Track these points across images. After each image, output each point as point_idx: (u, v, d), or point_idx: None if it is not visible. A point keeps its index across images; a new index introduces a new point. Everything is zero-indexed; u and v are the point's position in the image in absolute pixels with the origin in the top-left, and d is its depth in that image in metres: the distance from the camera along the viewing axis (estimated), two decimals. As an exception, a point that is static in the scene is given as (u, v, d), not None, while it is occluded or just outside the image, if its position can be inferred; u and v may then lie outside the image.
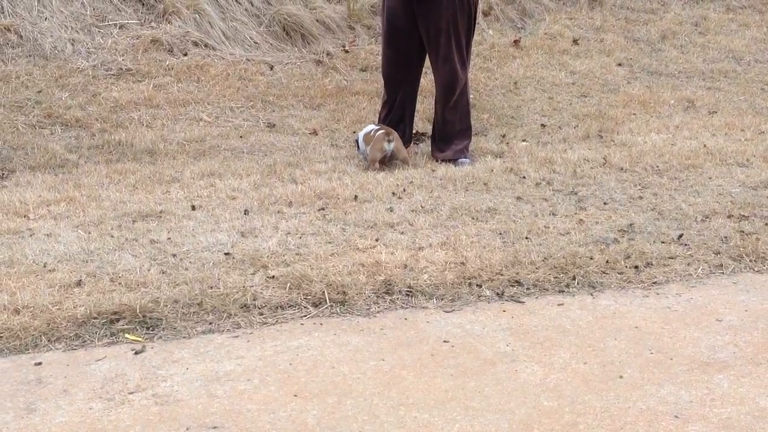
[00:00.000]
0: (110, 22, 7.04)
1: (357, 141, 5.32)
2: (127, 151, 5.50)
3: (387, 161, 5.17)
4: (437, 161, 5.36)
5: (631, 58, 8.00)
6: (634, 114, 6.63)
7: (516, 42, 7.94)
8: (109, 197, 4.52)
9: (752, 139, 5.83)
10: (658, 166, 5.12)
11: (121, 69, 6.56)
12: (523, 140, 5.92)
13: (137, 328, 2.95)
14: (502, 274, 3.43)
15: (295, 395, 2.50)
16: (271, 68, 6.98)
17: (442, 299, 3.25)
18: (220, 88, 6.55)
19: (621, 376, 2.59)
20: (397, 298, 3.25)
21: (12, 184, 4.82)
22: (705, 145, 5.59)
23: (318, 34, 7.57)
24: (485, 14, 8.12)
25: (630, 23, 8.67)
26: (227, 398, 2.48)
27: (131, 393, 2.52)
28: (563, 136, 6.01)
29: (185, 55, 6.87)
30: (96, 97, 6.19)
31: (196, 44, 7.04)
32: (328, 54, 7.31)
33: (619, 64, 7.84)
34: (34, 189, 4.70)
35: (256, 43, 7.32)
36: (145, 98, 6.25)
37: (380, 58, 7.19)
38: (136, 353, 2.79)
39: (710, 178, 4.88)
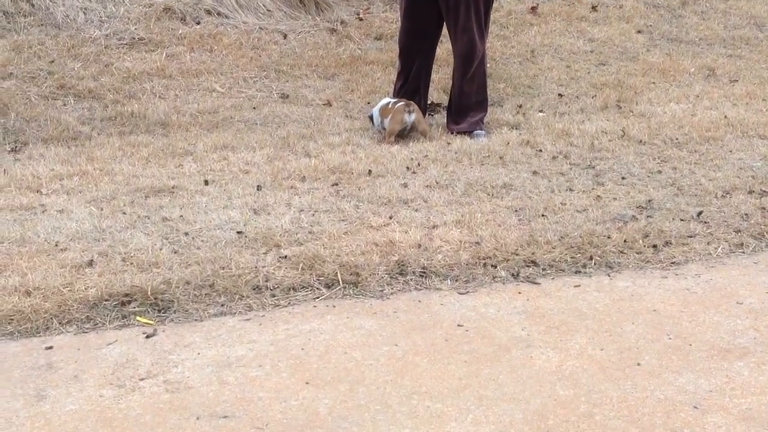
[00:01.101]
0: (122, -10, 6.96)
1: (371, 116, 5.24)
2: (140, 123, 5.46)
3: (406, 133, 5.09)
4: (452, 133, 5.28)
5: (650, 25, 7.85)
6: (654, 83, 6.51)
7: (533, 9, 7.80)
8: (122, 171, 4.49)
9: (774, 110, 5.71)
10: (677, 139, 5.02)
11: (134, 38, 6.49)
12: (540, 111, 5.83)
13: (149, 310, 2.93)
14: (517, 254, 3.38)
15: (307, 383, 2.47)
16: (285, 37, 6.89)
17: (456, 280, 3.21)
18: (233, 58, 6.48)
19: (639, 364, 2.55)
20: (411, 279, 3.21)
21: (25, 158, 4.79)
22: (726, 116, 5.49)
23: (332, 2, 7.47)
24: (502, -20, 7.97)
25: (650, -12, 8.48)
26: (238, 385, 2.46)
27: (142, 379, 2.49)
28: (581, 106, 5.92)
29: (198, 23, 6.79)
30: (108, 67, 6.14)
31: (209, 12, 6.96)
32: (342, 22, 7.21)
33: (639, 31, 7.70)
34: (47, 162, 4.67)
35: (269, 11, 7.22)
36: (157, 68, 6.19)
37: (395, 26, 7.11)
38: (148, 337, 2.76)
39: (731, 152, 4.78)
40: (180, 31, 6.65)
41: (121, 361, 2.61)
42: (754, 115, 5.51)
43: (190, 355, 2.65)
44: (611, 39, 7.47)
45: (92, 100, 5.76)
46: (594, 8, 7.96)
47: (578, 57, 7.09)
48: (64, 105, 5.68)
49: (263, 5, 7.22)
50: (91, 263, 3.22)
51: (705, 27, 7.87)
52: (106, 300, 2.96)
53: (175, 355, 2.65)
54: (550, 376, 2.49)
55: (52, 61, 6.09)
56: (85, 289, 3.01)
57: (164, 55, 6.36)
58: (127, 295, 2.98)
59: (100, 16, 6.66)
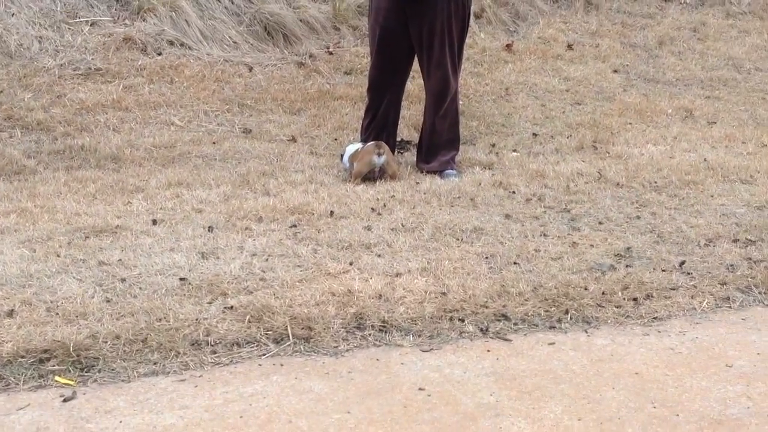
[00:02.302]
0: (81, 19, 6.67)
1: (342, 156, 4.96)
2: (90, 157, 5.15)
3: (376, 176, 4.79)
4: (422, 173, 5.02)
5: (627, 65, 7.68)
6: (630, 123, 6.31)
7: (508, 46, 7.61)
8: (64, 209, 4.17)
9: (755, 153, 5.51)
10: (656, 182, 4.79)
11: (90, 68, 6.19)
12: (514, 150, 5.59)
13: (70, 368, 2.60)
14: (487, 307, 3.08)
15: (242, 459, 2.15)
16: (250, 70, 6.62)
17: (419, 335, 2.90)
18: (194, 90, 6.20)
19: (620, 439, 2.25)
20: (369, 334, 2.90)
21: (-39, 193, 4.45)
22: (705, 159, 5.27)
23: (301, 35, 7.22)
24: (477, 16, 7.78)
25: (626, 28, 8.35)
26: (162, 462, 2.13)
27: (51, 454, 2.16)
28: (556, 146, 5.69)
29: (159, 54, 6.51)
30: (61, 98, 5.83)
31: (171, 43, 6.68)
32: (311, 56, 6.96)
33: (615, 71, 7.52)
34: (-15, 198, 4.34)
35: (235, 42, 6.96)
36: (113, 100, 5.88)
37: (366, 61, 6.87)
38: (65, 400, 2.43)
39: (712, 197, 4.55)
40: (140, 62, 6.35)
41: (30, 431, 2.27)
42: (734, 159, 5.30)
43: (111, 423, 2.32)
44: (587, 78, 7.28)
45: (41, 133, 5.44)
46: (570, 47, 7.79)
47: (553, 96, 6.89)
48: (10, 137, 5.35)
49: (229, 37, 6.96)
50: (11, 313, 2.89)
51: (682, 67, 7.72)
52: (22, 357, 2.62)
53: (94, 423, 2.31)
54: (521, 453, 2.18)
55: (1, 91, 5.76)
56: (0, 343, 2.67)
57: (121, 86, 6.06)
58: (46, 351, 2.64)
59: (56, 45, 6.36)
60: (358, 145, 4.89)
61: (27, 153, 5.12)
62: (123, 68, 6.26)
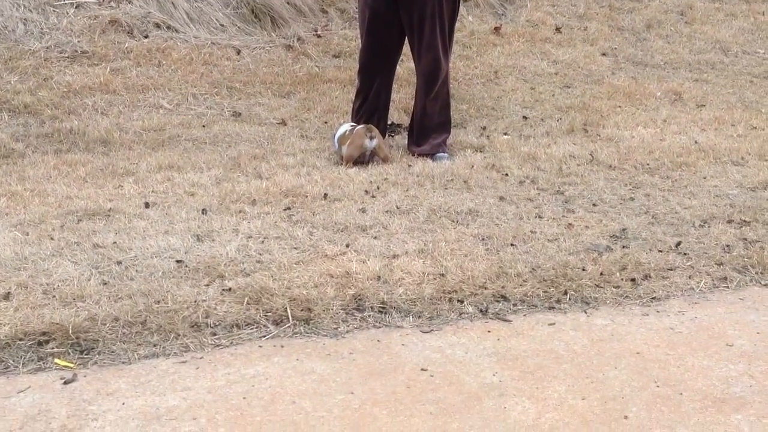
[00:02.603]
0: (66, 1, 6.59)
1: (334, 137, 4.92)
2: (79, 141, 5.09)
3: (366, 160, 4.77)
4: (414, 155, 5.00)
5: (615, 48, 7.69)
6: (620, 106, 6.31)
7: (497, 29, 7.58)
8: (54, 192, 4.12)
9: (745, 135, 5.53)
10: (648, 164, 4.80)
11: (76, 51, 6.12)
12: (505, 133, 5.57)
13: (69, 351, 2.57)
14: (485, 288, 3.08)
15: (248, 440, 2.14)
16: (238, 53, 6.56)
17: (419, 317, 2.90)
18: (182, 74, 6.14)
19: (626, 417, 2.25)
20: (369, 316, 2.89)
21: (-52, 177, 4.39)
22: (696, 141, 5.28)
23: (289, 18, 7.16)
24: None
25: (614, 11, 8.34)
26: (167, 444, 2.11)
27: (54, 436, 2.14)
28: (546, 129, 5.68)
29: (146, 37, 6.44)
30: (48, 81, 5.75)
31: (158, 26, 6.61)
32: (299, 39, 6.91)
33: (603, 54, 7.52)
34: (-27, 182, 4.29)
35: (222, 25, 6.89)
36: (100, 83, 5.82)
37: (354, 44, 6.83)
38: (66, 383, 2.41)
39: (704, 178, 4.56)
40: (126, 45, 6.28)
41: (32, 413, 2.25)
42: (724, 141, 5.32)
43: (114, 405, 2.29)
44: (576, 61, 7.27)
45: (28, 116, 5.37)
46: (558, 30, 7.78)
47: (542, 79, 6.88)
48: (-3, 120, 5.28)
49: (216, 20, 6.89)
50: (7, 296, 2.85)
51: (670, 51, 7.73)
52: (20, 339, 2.59)
53: (96, 405, 2.29)
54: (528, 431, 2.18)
55: (-14, 74, 5.69)
56: (-2, 326, 2.64)
57: (108, 69, 5.99)
58: (45, 333, 2.61)
59: (41, 28, 6.28)
60: (348, 126, 4.85)
61: (15, 136, 5.05)
62: (110, 51, 6.19)
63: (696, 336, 2.76)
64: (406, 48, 5.13)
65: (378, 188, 4.27)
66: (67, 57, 6.05)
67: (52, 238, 3.44)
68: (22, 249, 3.28)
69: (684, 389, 2.40)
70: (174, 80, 6.04)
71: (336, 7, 7.46)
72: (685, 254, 3.45)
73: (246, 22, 7.04)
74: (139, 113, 5.58)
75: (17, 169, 4.54)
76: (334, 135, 4.90)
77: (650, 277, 3.23)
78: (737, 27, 8.42)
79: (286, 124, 5.59)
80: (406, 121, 5.60)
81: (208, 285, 3.03)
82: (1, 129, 5.14)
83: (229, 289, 2.98)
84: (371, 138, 4.72)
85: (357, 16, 7.11)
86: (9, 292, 2.87)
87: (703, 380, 2.46)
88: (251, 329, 2.77)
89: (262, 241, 3.47)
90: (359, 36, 5.24)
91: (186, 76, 6.11)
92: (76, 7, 6.55)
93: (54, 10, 6.46)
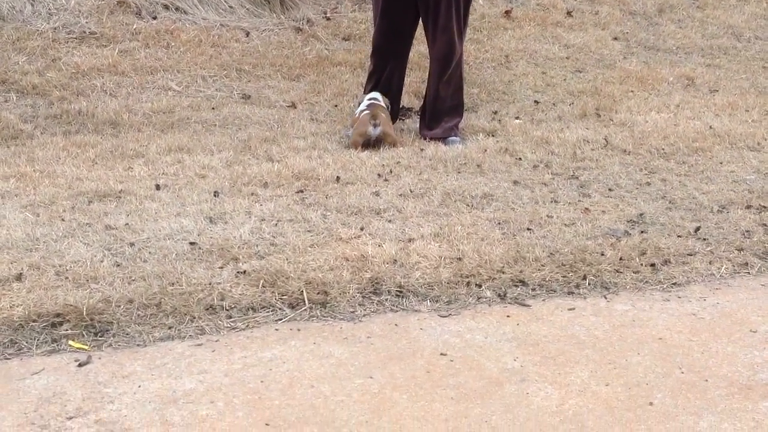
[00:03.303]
0: (74, -19, 6.52)
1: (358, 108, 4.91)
2: (88, 122, 5.04)
3: (372, 143, 4.72)
4: (425, 139, 4.95)
5: (627, 32, 7.60)
6: (632, 91, 6.24)
7: (507, 12, 7.50)
8: (64, 173, 4.08)
9: (760, 121, 5.46)
10: (663, 149, 4.74)
11: (84, 32, 6.05)
12: (517, 118, 5.52)
13: (83, 333, 2.53)
14: (503, 272, 3.04)
15: (267, 424, 2.10)
16: (247, 35, 6.50)
17: (436, 301, 2.85)
18: (191, 55, 6.07)
19: (651, 403, 2.21)
20: (386, 299, 2.85)
21: (-43, 157, 4.35)
22: (711, 127, 5.22)
23: (298, 0, 7.09)
24: (475, -18, 7.67)
25: (626, -5, 8.25)
26: (185, 427, 2.08)
27: (70, 418, 2.10)
28: (558, 113, 5.62)
29: (154, 18, 6.37)
30: (56, 62, 5.69)
31: (166, 7, 6.54)
32: (308, 21, 6.84)
33: (615, 38, 7.44)
34: (-18, 163, 4.24)
35: (231, 7, 6.83)
36: (109, 64, 5.76)
37: (364, 27, 6.76)
38: (80, 365, 2.37)
39: (721, 163, 4.51)
40: (134, 26, 6.22)
41: (47, 395, 2.21)
42: (739, 126, 5.25)
43: (129, 388, 2.26)
44: (587, 45, 7.20)
45: (36, 97, 5.32)
46: (569, 14, 7.70)
47: (554, 63, 6.81)
48: (6, 101, 5.23)
49: (225, 1, 6.82)
50: (19, 277, 2.81)
51: (682, 35, 7.65)
52: (34, 321, 2.55)
53: (112, 388, 2.25)
54: (551, 418, 2.14)
55: (-6, 54, 5.63)
56: (11, 307, 2.60)
57: (117, 50, 5.93)
58: (58, 315, 2.57)
59: (49, 8, 6.21)
60: (367, 101, 4.80)
61: (23, 117, 5.01)
62: (118, 32, 6.13)
63: (719, 322, 2.71)
64: (418, 32, 5.07)
65: (390, 172, 4.22)
66: (75, 38, 5.99)
67: (63, 220, 3.40)
68: (34, 230, 3.24)
69: (709, 375, 2.36)
70: (183, 62, 5.98)
71: (345, -11, 7.38)
72: (704, 240, 3.40)
73: (255, 3, 6.97)
74: (148, 95, 5.52)
75: (26, 150, 4.50)
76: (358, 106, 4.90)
77: (670, 262, 3.18)
78: (750, 12, 8.32)
79: (295, 107, 5.54)
80: (416, 104, 5.54)
81: (222, 267, 2.99)
82: (9, 110, 5.09)
83: (244, 271, 2.94)
84: (375, 126, 4.66)
85: (367, -2, 7.06)
86: (21, 273, 2.84)
87: (728, 367, 2.42)
88: (267, 312, 2.73)
89: (276, 224, 3.43)
90: (372, 18, 5.17)
91: (195, 58, 6.05)
92: (83, -12, 6.48)
93: (61, -9, 6.39)
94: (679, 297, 2.92)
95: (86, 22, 6.14)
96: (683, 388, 2.29)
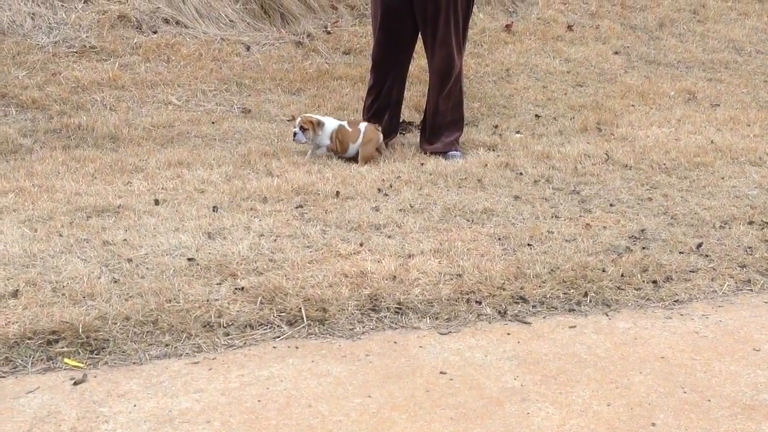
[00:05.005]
0: (74, -4, 6.52)
1: (296, 133, 4.72)
2: (88, 137, 5.03)
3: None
4: (426, 154, 4.93)
5: (628, 46, 7.60)
6: (633, 105, 6.23)
7: (508, 27, 7.51)
8: (63, 188, 4.06)
9: (761, 135, 5.45)
10: (665, 164, 4.72)
11: (85, 46, 6.05)
12: (517, 132, 5.51)
13: (79, 350, 2.51)
14: (504, 289, 3.01)
15: (264, 444, 2.07)
16: (248, 49, 6.50)
17: (436, 318, 2.83)
18: (191, 70, 6.07)
19: (653, 424, 2.18)
20: (385, 316, 2.82)
21: (-45, 172, 4.33)
22: (712, 141, 5.21)
23: (298, 14, 7.09)
24: (476, -4, 7.67)
25: (626, 9, 8.26)
26: (181, 447, 2.05)
27: (64, 439, 2.07)
28: (559, 128, 5.61)
29: (155, 32, 6.38)
30: (56, 76, 5.69)
31: (166, 21, 6.54)
32: (308, 35, 6.84)
33: (616, 53, 7.44)
34: (-19, 177, 4.23)
35: (231, 21, 6.83)
36: (109, 79, 5.76)
37: (365, 41, 6.76)
38: (76, 383, 2.34)
39: (722, 178, 4.49)
40: (135, 40, 6.22)
41: (41, 414, 2.19)
42: (741, 141, 5.24)
43: (125, 407, 2.23)
44: (588, 59, 7.19)
45: (36, 111, 5.31)
46: (570, 28, 7.70)
47: (554, 77, 6.80)
48: (5, 115, 5.22)
49: (225, 15, 6.82)
50: (15, 294, 2.79)
51: (683, 49, 7.65)
52: (29, 338, 2.53)
53: (107, 407, 2.23)
54: (552, 439, 2.11)
55: (-6, 68, 5.63)
56: (6, 324, 2.57)
57: (117, 64, 5.93)
58: (54, 332, 2.55)
59: (49, 23, 6.21)
60: (335, 121, 4.77)
61: (23, 131, 5.00)
62: (118, 46, 6.13)
63: (721, 340, 2.68)
64: (418, 46, 5.07)
65: (391, 186, 4.21)
66: (76, 52, 5.99)
67: (60, 235, 3.38)
68: (31, 246, 3.22)
69: (712, 395, 2.33)
70: (183, 76, 5.98)
71: (346, 3, 7.38)
72: (706, 256, 3.38)
73: (255, 18, 6.98)
74: (147, 109, 5.51)
75: (25, 164, 4.48)
76: (296, 130, 4.71)
77: (672, 279, 3.16)
78: (750, 26, 8.33)
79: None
80: (416, 118, 5.54)
81: (220, 284, 2.96)
82: (8, 124, 5.08)
83: (242, 288, 2.92)
84: (380, 132, 4.76)
85: (367, 12, 7.05)
86: (17, 290, 2.81)
87: (732, 386, 2.39)
88: (265, 329, 2.71)
89: (275, 240, 3.41)
90: (372, 32, 5.17)
91: (195, 72, 6.05)
92: (84, 2, 6.48)
93: (62, 5, 6.40)
94: (682, 315, 2.89)
95: (86, 37, 6.14)
96: (686, 409, 2.26)
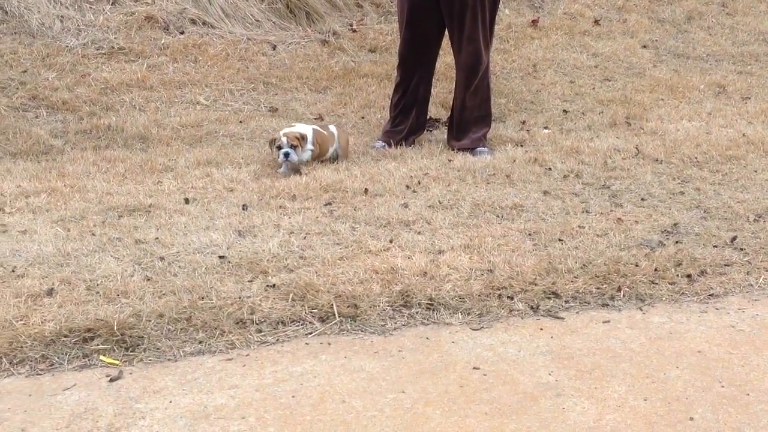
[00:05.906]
0: (102, -2, 6.57)
1: (287, 153, 4.34)
2: (117, 137, 5.07)
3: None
4: (453, 150, 4.92)
5: (656, 40, 7.53)
6: (662, 99, 6.18)
7: (534, 22, 7.47)
8: (94, 188, 4.09)
9: (794, 128, 5.37)
10: (696, 158, 4.67)
11: (113, 48, 6.10)
12: (545, 127, 5.47)
13: (114, 348, 2.52)
14: (535, 284, 2.99)
15: (299, 440, 2.07)
16: (274, 48, 6.52)
17: (468, 314, 2.82)
18: (218, 69, 6.10)
19: (691, 418, 2.16)
20: (417, 312, 2.82)
21: (-11, 173, 4.38)
22: (744, 134, 5.15)
23: (324, 12, 7.10)
24: (502, -8, 7.63)
25: (654, 3, 8.18)
26: (217, 443, 2.06)
27: (102, 435, 2.09)
28: (588, 123, 5.57)
29: (182, 33, 6.41)
30: (85, 77, 5.74)
31: (193, 22, 6.58)
32: (334, 33, 6.85)
33: (644, 46, 7.38)
34: (14, 178, 4.27)
35: (257, 21, 6.85)
36: (137, 79, 5.80)
37: (390, 38, 6.75)
38: (112, 380, 2.36)
39: (755, 171, 4.43)
40: (162, 41, 6.26)
41: (79, 411, 2.20)
42: (773, 134, 5.17)
43: (161, 403, 2.24)
44: (616, 54, 7.14)
45: (66, 112, 5.36)
46: (597, 22, 7.64)
47: (582, 72, 6.76)
48: (36, 117, 5.28)
49: (251, 15, 6.85)
50: (50, 292, 2.81)
51: (712, 42, 7.57)
52: (65, 336, 2.55)
53: (143, 403, 2.24)
54: (589, 434, 2.09)
55: (25, 71, 5.69)
56: (42, 322, 2.60)
57: (145, 65, 5.97)
58: (89, 330, 2.57)
59: (78, 25, 6.27)
60: (308, 127, 4.57)
61: (53, 133, 5.05)
62: (146, 47, 6.17)
63: (759, 334, 2.65)
64: (444, 43, 5.05)
65: (419, 183, 4.20)
66: (104, 53, 6.04)
67: (93, 234, 3.41)
68: (65, 245, 3.25)
69: (750, 390, 2.30)
70: (210, 76, 6.01)
71: (371, 1, 7.38)
72: (741, 249, 3.33)
73: (281, 17, 7.00)
74: (176, 109, 5.55)
75: (57, 165, 4.53)
76: (280, 143, 4.38)
77: (706, 273, 3.12)
78: (780, 18, 8.22)
79: (322, 119, 5.53)
80: (443, 115, 5.53)
81: (251, 281, 2.97)
82: (39, 125, 5.14)
83: (273, 285, 2.93)
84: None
85: (392, 9, 7.04)
86: (52, 288, 2.84)
87: (770, 380, 2.36)
88: (297, 326, 2.71)
89: (305, 237, 3.41)
90: (398, 29, 5.16)
91: (222, 72, 6.07)
92: (112, 4, 6.54)
93: (90, 7, 6.45)
94: (717, 309, 2.86)
95: (115, 38, 6.19)
96: (724, 403, 2.24)
